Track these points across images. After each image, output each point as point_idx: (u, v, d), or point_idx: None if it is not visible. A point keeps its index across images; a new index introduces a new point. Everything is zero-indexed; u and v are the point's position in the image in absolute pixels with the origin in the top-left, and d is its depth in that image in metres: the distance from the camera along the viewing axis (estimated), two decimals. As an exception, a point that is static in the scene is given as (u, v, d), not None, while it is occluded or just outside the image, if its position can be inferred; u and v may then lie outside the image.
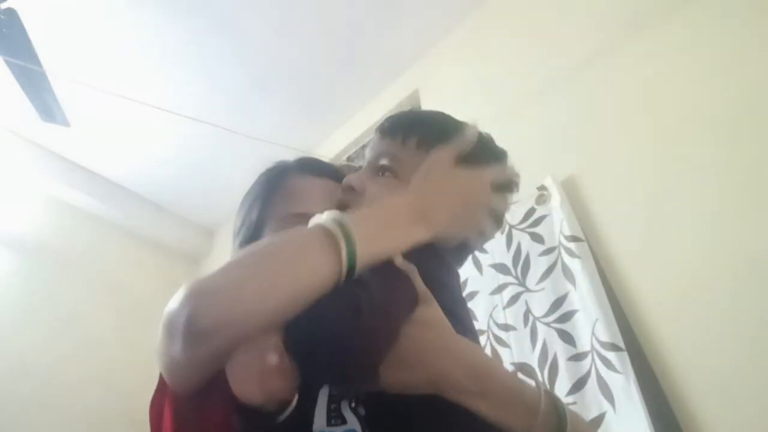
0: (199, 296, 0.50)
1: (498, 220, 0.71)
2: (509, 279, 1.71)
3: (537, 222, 1.75)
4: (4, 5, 1.92)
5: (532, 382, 0.57)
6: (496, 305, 1.69)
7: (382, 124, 0.75)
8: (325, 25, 2.64)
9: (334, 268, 0.50)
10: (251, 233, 0.75)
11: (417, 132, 0.72)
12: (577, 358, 1.44)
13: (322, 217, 0.55)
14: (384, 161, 0.71)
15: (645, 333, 1.42)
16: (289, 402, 0.51)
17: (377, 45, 2.75)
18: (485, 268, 1.77)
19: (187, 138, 3.00)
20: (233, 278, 0.50)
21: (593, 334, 1.40)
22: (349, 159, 3.03)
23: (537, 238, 1.72)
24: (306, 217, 0.67)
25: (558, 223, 1.68)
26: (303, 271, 0.50)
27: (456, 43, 2.64)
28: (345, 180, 0.71)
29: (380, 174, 0.71)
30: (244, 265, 0.52)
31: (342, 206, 0.68)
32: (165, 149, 3.09)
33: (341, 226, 0.52)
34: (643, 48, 1.84)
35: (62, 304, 2.80)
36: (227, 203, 3.35)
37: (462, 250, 0.70)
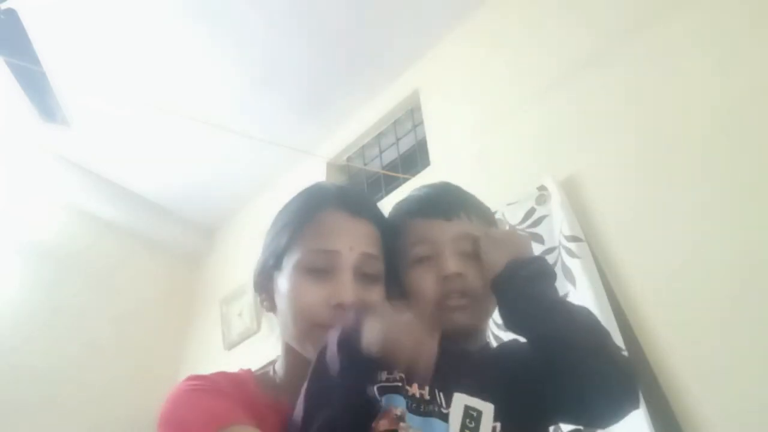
0: None
1: None
2: (509, 279, 1.70)
3: (537, 222, 1.75)
4: (4, 5, 1.92)
5: None
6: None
7: (445, 210, 0.76)
8: (325, 26, 2.64)
9: None
10: (276, 257, 0.77)
11: (472, 208, 0.78)
12: (577, 358, 1.43)
13: None
14: (467, 245, 0.74)
15: (645, 333, 1.42)
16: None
17: (378, 45, 2.75)
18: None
19: (187, 138, 3.00)
20: None
21: (593, 334, 1.40)
22: (349, 159, 3.03)
23: (537, 238, 1.71)
24: (332, 254, 0.71)
25: (558, 223, 1.67)
26: None
27: (456, 44, 2.64)
28: (453, 275, 0.72)
29: (471, 256, 0.73)
30: None
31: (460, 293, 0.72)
32: (165, 149, 3.09)
33: None
34: (642, 49, 1.84)
35: (61, 303, 2.80)
36: (227, 203, 3.37)
37: None
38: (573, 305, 0.64)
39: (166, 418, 0.69)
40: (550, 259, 1.64)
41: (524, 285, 0.65)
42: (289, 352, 0.78)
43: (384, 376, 0.63)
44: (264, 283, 0.80)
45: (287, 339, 0.77)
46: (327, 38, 2.68)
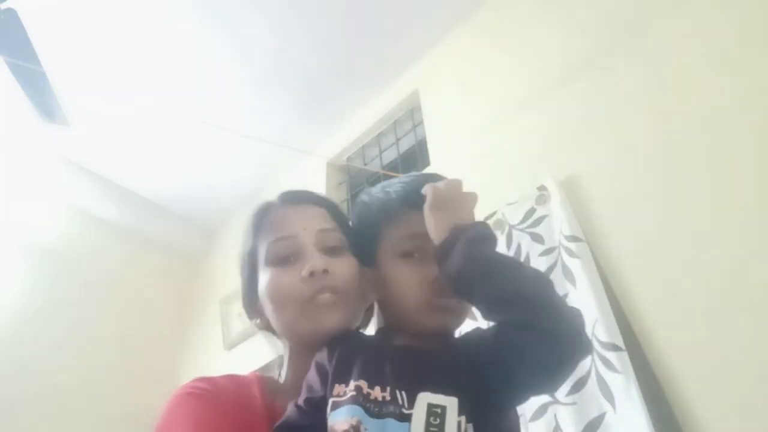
0: None
1: None
2: (509, 279, 1.70)
3: (537, 222, 1.75)
4: (4, 5, 1.92)
5: None
6: (496, 305, 1.69)
7: (414, 199, 0.74)
8: (325, 26, 2.64)
9: None
10: (250, 263, 0.84)
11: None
12: (577, 358, 1.43)
13: None
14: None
15: (645, 333, 1.42)
16: None
17: (378, 45, 2.75)
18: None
19: (187, 138, 3.00)
20: None
21: (593, 334, 1.40)
22: (349, 159, 3.03)
23: (537, 238, 1.72)
24: (290, 239, 0.78)
25: (558, 223, 1.67)
26: None
27: (456, 44, 2.64)
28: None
29: None
30: None
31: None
32: (165, 149, 3.09)
33: None
34: (642, 48, 1.84)
35: (61, 303, 2.80)
36: (227, 203, 3.37)
37: None
38: (515, 260, 0.66)
39: (159, 417, 0.73)
40: (550, 259, 1.65)
41: (468, 247, 0.63)
42: (293, 357, 0.80)
43: (336, 390, 0.64)
44: (252, 309, 0.84)
45: (290, 335, 0.79)
46: (327, 38, 2.68)
